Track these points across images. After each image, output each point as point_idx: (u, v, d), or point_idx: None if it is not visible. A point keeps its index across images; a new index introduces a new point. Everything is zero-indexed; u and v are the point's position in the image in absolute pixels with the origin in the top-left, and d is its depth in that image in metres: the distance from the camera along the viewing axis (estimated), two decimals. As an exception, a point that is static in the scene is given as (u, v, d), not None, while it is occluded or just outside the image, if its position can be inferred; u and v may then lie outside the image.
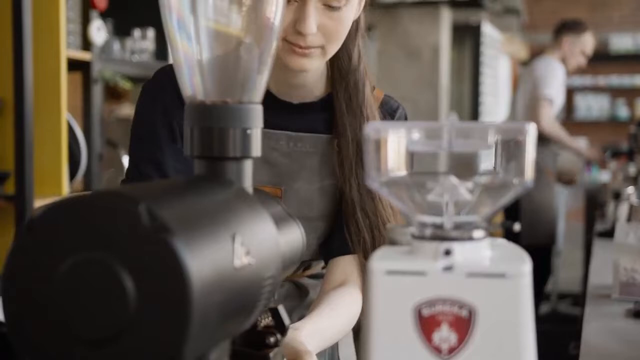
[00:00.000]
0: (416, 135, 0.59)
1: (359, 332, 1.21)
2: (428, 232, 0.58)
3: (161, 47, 3.32)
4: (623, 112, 7.94)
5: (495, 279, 0.55)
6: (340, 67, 1.19)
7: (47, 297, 0.47)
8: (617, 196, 2.96)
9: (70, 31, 2.78)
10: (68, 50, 2.64)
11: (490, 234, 0.59)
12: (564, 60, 4.08)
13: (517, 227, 0.59)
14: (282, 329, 0.67)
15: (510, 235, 3.24)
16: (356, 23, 1.16)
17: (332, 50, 1.11)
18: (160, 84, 1.15)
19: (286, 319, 0.67)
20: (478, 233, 0.57)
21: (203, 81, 0.59)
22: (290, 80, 1.17)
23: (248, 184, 0.61)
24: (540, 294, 4.18)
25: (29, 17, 2.30)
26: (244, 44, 0.61)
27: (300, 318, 1.10)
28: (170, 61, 0.77)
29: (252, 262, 0.54)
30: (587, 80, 7.85)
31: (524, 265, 0.56)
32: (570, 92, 7.48)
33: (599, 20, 7.55)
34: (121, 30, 3.20)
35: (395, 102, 1.26)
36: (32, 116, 2.33)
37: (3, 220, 2.45)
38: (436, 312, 0.55)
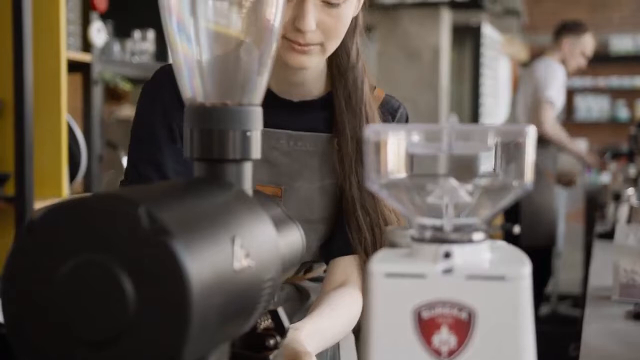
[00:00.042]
0: (416, 137, 0.59)
1: (359, 334, 1.21)
2: (428, 234, 0.58)
3: (161, 48, 3.32)
4: (623, 113, 7.94)
5: (495, 281, 0.55)
6: (339, 65, 1.19)
7: (47, 299, 0.47)
8: (617, 197, 2.96)
9: (71, 32, 2.78)
10: (68, 51, 2.64)
11: (490, 236, 0.59)
12: (564, 62, 4.08)
13: (516, 229, 0.59)
14: (281, 331, 0.67)
15: (510, 237, 3.24)
16: (355, 20, 1.16)
17: (332, 47, 1.11)
18: (160, 84, 1.15)
19: (286, 322, 0.67)
20: (478, 235, 0.57)
21: (203, 83, 0.59)
22: (290, 78, 1.17)
23: (248, 186, 0.61)
24: (540, 296, 4.18)
25: (29, 18, 2.30)
26: (243, 46, 0.61)
27: (301, 320, 1.10)
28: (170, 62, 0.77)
29: (251, 264, 0.54)
30: (587, 81, 7.85)
31: (524, 267, 0.56)
32: (571, 93, 7.48)
33: (599, 21, 7.55)
34: (121, 31, 3.21)
35: (396, 101, 1.26)
36: (32, 117, 2.33)
37: (3, 222, 2.45)
38: (436, 314, 0.55)
